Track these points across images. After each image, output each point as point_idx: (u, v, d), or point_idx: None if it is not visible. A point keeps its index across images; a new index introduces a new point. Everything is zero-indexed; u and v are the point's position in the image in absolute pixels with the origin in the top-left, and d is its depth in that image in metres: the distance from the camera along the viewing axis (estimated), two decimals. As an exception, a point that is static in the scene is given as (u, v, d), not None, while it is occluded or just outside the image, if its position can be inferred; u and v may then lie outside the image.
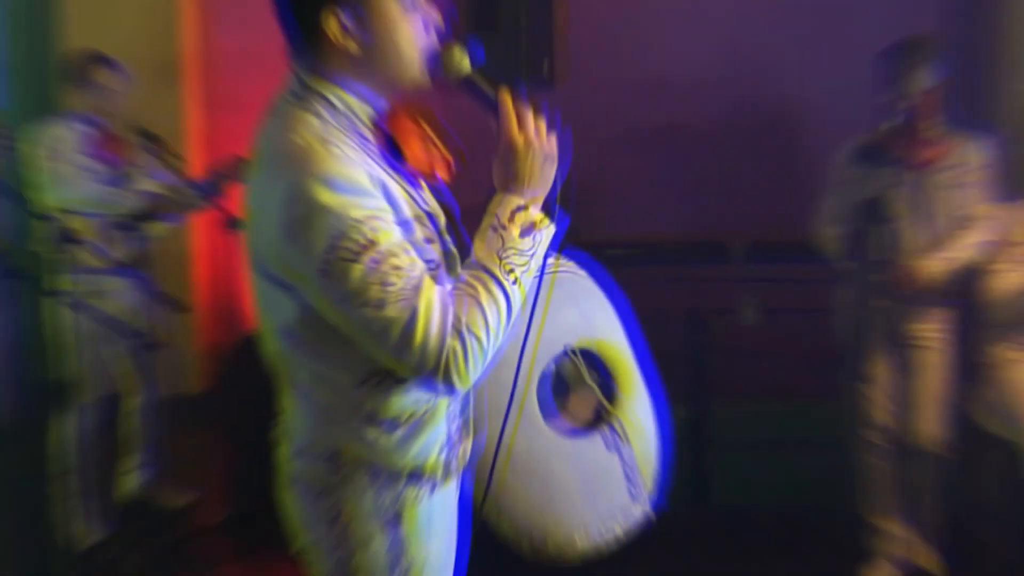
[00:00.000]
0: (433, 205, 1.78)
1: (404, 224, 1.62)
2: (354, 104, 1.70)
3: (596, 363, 2.19)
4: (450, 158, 1.83)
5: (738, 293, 4.37)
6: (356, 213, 1.53)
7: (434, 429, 1.79)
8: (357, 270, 1.52)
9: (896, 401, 3.68)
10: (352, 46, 1.67)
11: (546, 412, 2.12)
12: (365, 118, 1.71)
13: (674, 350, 4.27)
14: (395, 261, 1.53)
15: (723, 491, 4.36)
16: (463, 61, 1.70)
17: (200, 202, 4.23)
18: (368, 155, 1.65)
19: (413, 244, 1.61)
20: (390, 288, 1.52)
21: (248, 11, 5.62)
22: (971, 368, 3.84)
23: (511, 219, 1.64)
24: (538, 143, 1.66)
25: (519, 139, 1.66)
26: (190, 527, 4.43)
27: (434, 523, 1.85)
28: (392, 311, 1.53)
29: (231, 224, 4.27)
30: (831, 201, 3.84)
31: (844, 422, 3.75)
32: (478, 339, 1.57)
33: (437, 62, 1.71)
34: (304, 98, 1.68)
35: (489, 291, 1.61)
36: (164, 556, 4.09)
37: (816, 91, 5.04)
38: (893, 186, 3.61)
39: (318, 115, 1.65)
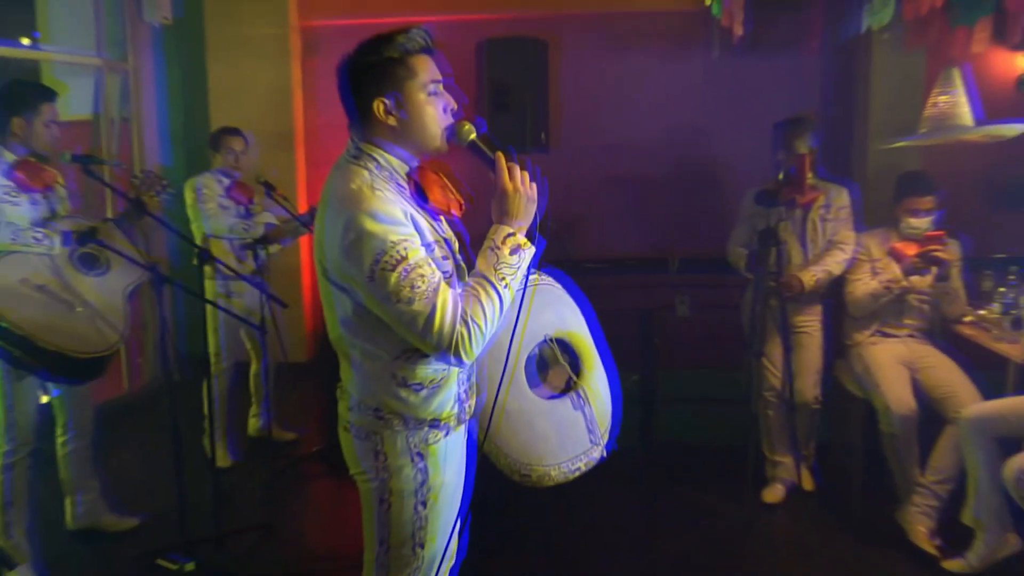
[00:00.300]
0: (449, 233, 1.83)
1: (427, 246, 1.68)
2: (393, 162, 1.77)
3: (567, 348, 2.19)
4: (461, 200, 1.89)
5: (674, 294, 4.36)
6: (393, 237, 1.61)
7: (448, 390, 1.82)
8: (394, 277, 1.59)
9: (784, 371, 3.65)
10: (392, 121, 1.74)
11: (531, 382, 2.11)
12: (401, 172, 1.78)
13: (629, 334, 4.27)
14: (421, 271, 1.61)
15: (663, 434, 4.32)
16: (470, 132, 1.78)
17: (303, 230, 4.20)
18: (403, 197, 1.71)
19: (433, 260, 1.67)
20: (417, 290, 1.60)
21: (335, 98, 5.63)
22: (838, 347, 3.81)
23: (503, 242, 1.70)
24: (523, 190, 1.71)
25: (509, 186, 1.71)
26: (295, 455, 4.41)
27: (449, 457, 1.87)
28: (418, 307, 1.60)
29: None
30: (739, 229, 3.82)
31: (748, 385, 3.71)
32: (478, 326, 1.64)
33: (452, 133, 1.78)
34: (359, 157, 1.75)
35: (487, 293, 1.66)
36: (277, 475, 4.08)
37: (730, 151, 5.03)
38: (783, 219, 3.57)
39: (368, 169, 1.72)
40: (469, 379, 1.89)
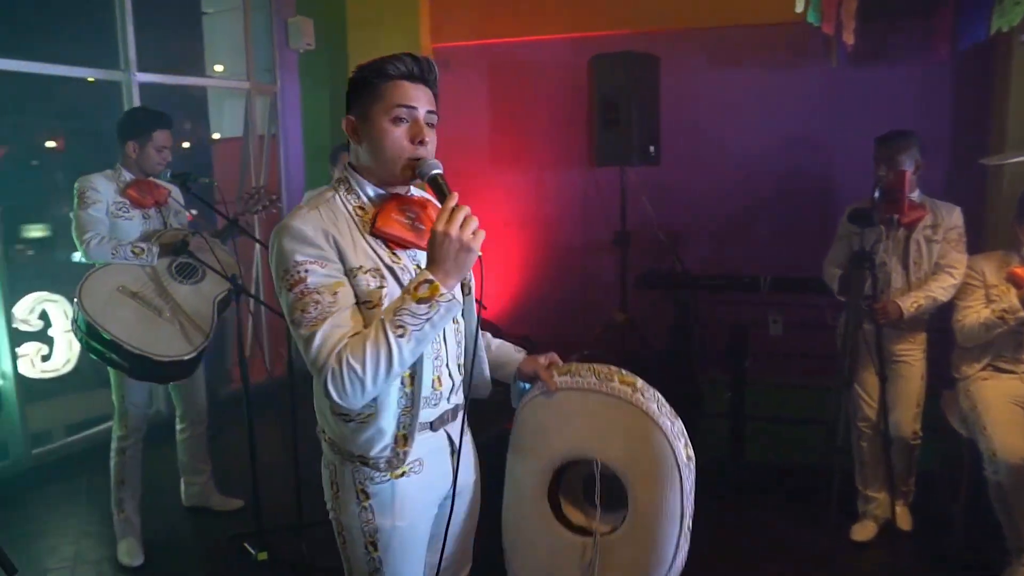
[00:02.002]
0: (402, 262, 1.57)
1: (349, 271, 1.50)
2: (361, 188, 1.58)
3: (615, 483, 1.79)
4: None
5: (767, 312, 3.92)
6: (298, 257, 1.47)
7: (372, 428, 1.57)
8: (290, 297, 1.48)
9: (880, 402, 3.14)
10: (355, 142, 1.58)
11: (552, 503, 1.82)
12: (367, 199, 1.58)
13: (722, 351, 3.89)
14: (315, 296, 1.46)
15: (752, 452, 3.88)
16: (432, 168, 1.52)
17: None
18: (350, 222, 1.54)
19: (356, 287, 1.51)
20: (306, 314, 1.46)
21: (466, 112, 5.58)
22: (945, 380, 3.25)
23: (416, 289, 1.43)
24: (455, 235, 1.41)
25: (440, 228, 1.42)
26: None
27: (400, 504, 1.62)
28: (304, 331, 1.46)
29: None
30: (835, 249, 3.33)
31: (841, 411, 3.23)
32: (353, 369, 1.41)
33: (418, 166, 1.53)
34: (340, 178, 1.62)
35: (375, 337, 1.43)
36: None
37: (840, 167, 4.50)
38: (879, 240, 3.07)
39: (336, 190, 1.57)
40: (407, 427, 1.60)
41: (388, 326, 1.42)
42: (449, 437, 1.71)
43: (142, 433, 3.22)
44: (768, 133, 4.79)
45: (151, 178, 3.18)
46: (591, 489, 1.78)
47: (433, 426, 1.66)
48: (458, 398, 1.73)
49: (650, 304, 4.73)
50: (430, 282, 1.42)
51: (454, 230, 1.41)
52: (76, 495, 3.81)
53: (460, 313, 1.71)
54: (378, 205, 1.58)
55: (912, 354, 3.20)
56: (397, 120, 1.53)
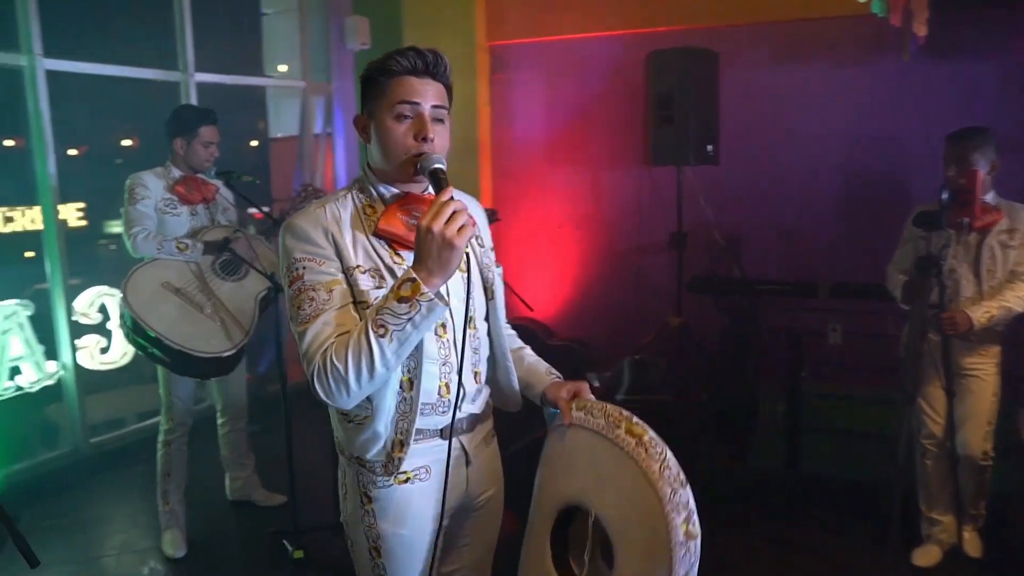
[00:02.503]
0: (405, 263, 1.51)
1: (347, 270, 1.48)
2: (375, 187, 1.56)
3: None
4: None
5: (825, 320, 3.72)
6: (297, 254, 1.48)
7: (369, 430, 1.53)
8: (289, 293, 1.49)
9: (948, 418, 2.93)
10: (367, 143, 1.56)
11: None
12: (380, 198, 1.56)
13: (778, 359, 3.73)
14: (311, 294, 1.45)
15: (807, 465, 3.71)
16: (434, 163, 1.46)
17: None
18: (357, 221, 1.52)
19: (353, 287, 1.48)
20: (301, 311, 1.45)
21: (522, 110, 5.52)
22: (1018, 397, 3.01)
23: (399, 287, 1.37)
24: (439, 231, 1.34)
25: (423, 225, 1.35)
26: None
27: (398, 510, 1.58)
28: (298, 327, 1.46)
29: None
30: (899, 254, 3.14)
31: (904, 427, 3.04)
32: (336, 368, 1.39)
33: (420, 161, 1.48)
34: (359, 178, 1.60)
35: (358, 337, 1.39)
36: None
37: (908, 167, 4.25)
38: (947, 246, 2.87)
39: (351, 190, 1.57)
40: (403, 432, 1.54)
41: (370, 325, 1.38)
42: (464, 448, 1.64)
43: (188, 427, 3.27)
44: (833, 131, 4.57)
45: (199, 175, 3.22)
46: (607, 542, 1.52)
47: (443, 434, 1.59)
48: (476, 407, 1.66)
49: (705, 308, 4.57)
50: (412, 280, 1.36)
51: (437, 225, 1.34)
52: (128, 485, 3.90)
53: (484, 317, 1.66)
54: (389, 204, 1.54)
55: (984, 368, 2.97)
56: (400, 117, 1.49)
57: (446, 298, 1.41)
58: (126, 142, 5.85)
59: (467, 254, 1.62)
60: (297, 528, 2.99)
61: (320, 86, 5.38)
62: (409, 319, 1.36)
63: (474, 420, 1.66)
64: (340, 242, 1.48)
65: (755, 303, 4.07)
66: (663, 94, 4.42)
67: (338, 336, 1.41)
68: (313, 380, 1.40)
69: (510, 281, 5.84)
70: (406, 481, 1.56)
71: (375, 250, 1.50)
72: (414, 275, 1.36)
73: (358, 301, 1.47)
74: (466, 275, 1.61)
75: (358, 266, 1.48)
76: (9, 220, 4.21)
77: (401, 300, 1.35)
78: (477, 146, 5.65)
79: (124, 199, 3.09)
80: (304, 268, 1.46)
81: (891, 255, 3.19)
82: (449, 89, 1.58)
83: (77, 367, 4.01)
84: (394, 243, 1.51)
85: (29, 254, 4.17)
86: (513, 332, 1.89)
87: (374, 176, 1.57)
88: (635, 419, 1.48)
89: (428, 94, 1.49)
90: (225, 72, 4.79)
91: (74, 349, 4.00)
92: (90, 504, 3.76)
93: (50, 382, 3.91)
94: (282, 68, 5.68)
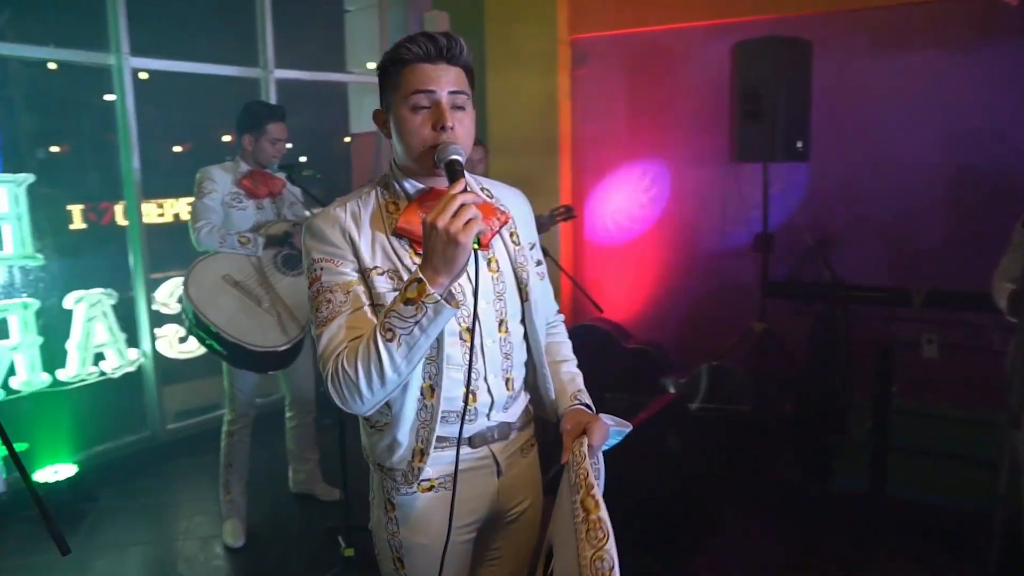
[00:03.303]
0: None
1: (364, 272, 1.43)
2: (399, 183, 1.50)
3: None
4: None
5: (919, 331, 3.39)
6: (315, 255, 1.44)
7: (388, 437, 1.48)
8: (308, 293, 1.45)
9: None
10: (387, 138, 1.50)
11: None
12: (404, 194, 1.49)
13: (867, 371, 3.44)
14: (328, 296, 1.41)
15: (896, 489, 3.41)
16: (452, 153, 1.37)
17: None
18: (378, 219, 1.46)
19: (370, 286, 1.42)
20: (319, 313, 1.41)
21: (603, 105, 5.37)
22: None
23: (406, 288, 1.30)
24: (442, 227, 1.25)
25: (428, 221, 1.28)
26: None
27: (421, 519, 1.51)
28: (316, 330, 1.41)
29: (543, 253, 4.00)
30: (1006, 261, 2.82)
31: (1006, 452, 2.73)
32: (346, 372, 1.33)
33: (437, 152, 1.39)
34: (385, 173, 1.54)
35: (368, 341, 1.33)
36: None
37: (1013, 165, 3.84)
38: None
39: (375, 187, 1.52)
40: (424, 441, 1.46)
41: (378, 330, 1.31)
42: (494, 457, 1.56)
43: (250, 419, 3.30)
44: (937, 125, 4.20)
45: (266, 169, 3.24)
46: None
47: (472, 442, 1.52)
48: (508, 415, 1.57)
49: (790, 314, 4.30)
50: (418, 281, 1.28)
51: (442, 220, 1.25)
52: (198, 472, 4.00)
53: (520, 320, 1.56)
54: (412, 201, 1.47)
55: (1101, 391, 2.63)
56: (416, 108, 1.40)
57: (456, 298, 1.33)
58: (226, 138, 6.05)
59: (497, 252, 1.54)
60: (350, 526, 2.97)
61: (399, 82, 5.39)
62: (416, 322, 1.28)
63: (506, 429, 1.57)
64: (357, 242, 1.42)
65: (844, 310, 3.78)
66: (749, 87, 4.18)
67: (352, 340, 1.35)
68: (328, 386, 1.36)
69: (586, 280, 5.71)
70: (430, 489, 1.50)
71: (394, 250, 1.43)
72: (420, 275, 1.28)
73: (376, 304, 1.40)
74: (498, 274, 1.53)
75: (375, 267, 1.42)
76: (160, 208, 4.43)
77: (407, 302, 1.28)
78: (557, 142, 5.54)
79: (194, 192, 3.15)
80: (322, 269, 1.42)
81: (998, 261, 2.87)
82: (469, 72, 1.48)
83: (156, 355, 4.15)
84: (414, 242, 1.43)
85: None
86: (565, 340, 1.78)
87: (398, 171, 1.50)
88: (595, 490, 1.32)
89: (444, 80, 1.40)
90: (309, 69, 4.87)
91: (153, 338, 4.14)
92: (163, 488, 3.89)
93: (131, 369, 4.06)
94: (371, 65, 5.73)
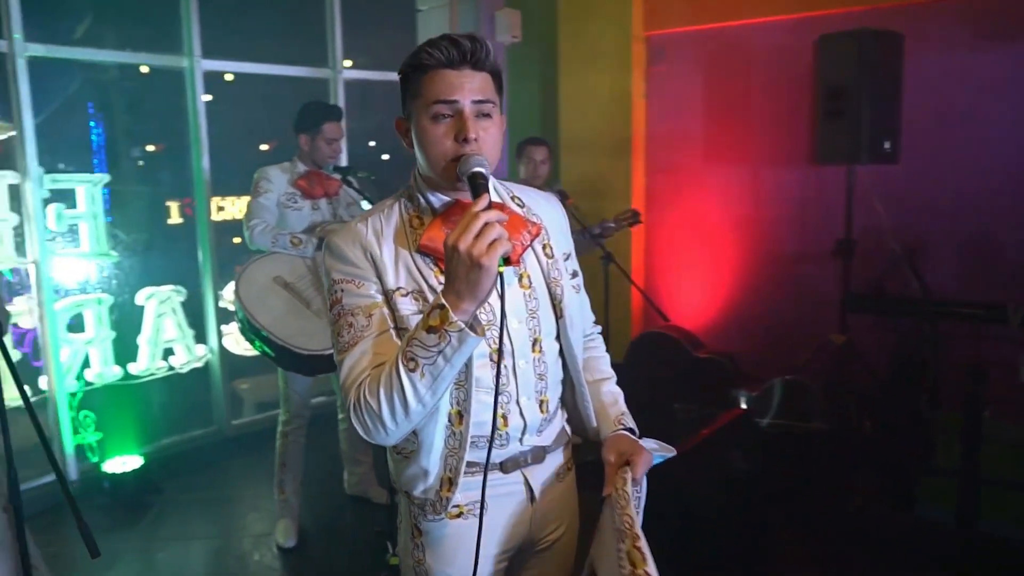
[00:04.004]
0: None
1: (387, 293, 1.33)
2: (423, 195, 1.41)
3: None
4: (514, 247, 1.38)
5: (1019, 353, 3.07)
6: (335, 275, 1.36)
7: (415, 465, 1.39)
8: (329, 316, 1.38)
9: None
10: (408, 148, 1.40)
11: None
12: (429, 208, 1.40)
13: (958, 393, 3.14)
14: (349, 319, 1.32)
15: (987, 523, 3.10)
16: (475, 166, 1.28)
17: (592, 245, 3.85)
18: (401, 235, 1.37)
19: (397, 311, 1.32)
20: (340, 338, 1.33)
21: (678, 104, 5.16)
22: None
23: (428, 315, 1.21)
24: (464, 249, 1.15)
25: (448, 243, 1.18)
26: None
27: (448, 548, 1.43)
28: (338, 356, 1.33)
29: (607, 260, 3.85)
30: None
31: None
32: (368, 403, 1.25)
33: (459, 164, 1.30)
34: (408, 186, 1.45)
35: (390, 371, 1.24)
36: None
37: None
38: None
39: (399, 200, 1.43)
40: (453, 469, 1.38)
41: (400, 359, 1.22)
42: (527, 483, 1.47)
43: (304, 419, 3.29)
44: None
45: (323, 170, 3.22)
46: None
47: (504, 467, 1.44)
48: (543, 439, 1.48)
49: (874, 325, 4.00)
50: (441, 308, 1.18)
51: (464, 242, 1.15)
52: (258, 470, 4.04)
53: (555, 337, 1.46)
54: (437, 216, 1.38)
55: None
56: (437, 117, 1.31)
57: (481, 326, 1.23)
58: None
59: (529, 266, 1.44)
60: (395, 532, 2.91)
61: (470, 81, 5.32)
62: (439, 351, 1.19)
63: (541, 453, 1.48)
64: (379, 261, 1.34)
65: (932, 325, 3.47)
66: (833, 83, 3.91)
67: (375, 368, 1.27)
68: (351, 416, 1.28)
69: (658, 286, 5.51)
70: (458, 516, 1.41)
71: (419, 269, 1.34)
72: (443, 301, 1.18)
73: (400, 327, 1.32)
74: (530, 291, 1.43)
75: (398, 288, 1.33)
76: (220, 209, 4.54)
77: (430, 330, 1.19)
78: (630, 142, 5.36)
79: (251, 192, 3.15)
80: (342, 291, 1.33)
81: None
82: (496, 76, 1.37)
83: (223, 351, 4.22)
84: (439, 260, 1.34)
85: (236, 240, 4.39)
86: (603, 354, 1.68)
87: (422, 183, 1.40)
88: (641, 542, 1.22)
89: (467, 88, 1.30)
90: (380, 69, 4.86)
91: (220, 334, 4.21)
92: (224, 483, 3.94)
93: (198, 364, 4.14)
94: None
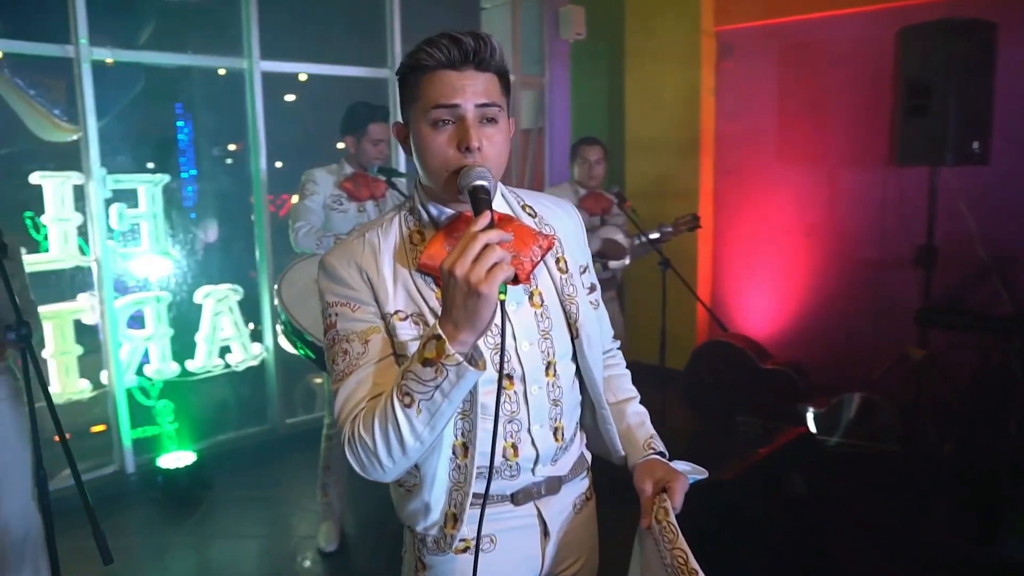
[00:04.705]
0: None
1: (384, 317, 1.22)
2: (424, 207, 1.29)
3: None
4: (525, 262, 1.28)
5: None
6: (329, 297, 1.24)
7: (419, 501, 1.27)
8: (326, 341, 1.25)
9: None
10: (408, 155, 1.27)
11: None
12: (432, 221, 1.28)
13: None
14: (344, 346, 1.21)
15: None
16: (476, 179, 1.15)
17: (649, 249, 3.67)
18: (400, 253, 1.25)
19: (395, 336, 1.21)
20: (335, 366, 1.22)
21: (749, 102, 4.91)
22: None
23: (424, 346, 1.08)
24: (461, 275, 1.04)
25: (444, 267, 1.06)
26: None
27: None
28: (334, 384, 1.22)
29: (665, 265, 3.66)
30: None
31: None
32: (363, 438, 1.14)
33: (460, 176, 1.17)
34: (409, 197, 1.33)
35: (385, 405, 1.12)
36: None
37: None
38: None
39: (399, 212, 1.30)
40: (458, 505, 1.26)
41: (396, 392, 1.11)
42: (540, 515, 1.35)
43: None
44: None
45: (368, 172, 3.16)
46: None
47: (515, 499, 1.32)
48: (558, 469, 1.36)
49: (957, 339, 3.68)
50: (438, 338, 1.07)
51: (461, 267, 1.04)
52: (308, 469, 4.00)
53: (571, 357, 1.34)
54: (439, 230, 1.26)
55: None
56: (437, 123, 1.18)
57: (483, 358, 1.12)
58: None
59: (541, 283, 1.32)
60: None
61: (531, 79, 5.19)
62: (436, 387, 1.08)
63: (555, 483, 1.36)
64: (376, 282, 1.22)
65: (1022, 343, 3.15)
66: (915, 79, 3.62)
67: (371, 399, 1.17)
68: (346, 451, 1.17)
69: (724, 292, 5.25)
70: (465, 550, 1.30)
71: (418, 290, 1.22)
72: (439, 331, 1.07)
73: (399, 354, 1.21)
74: (542, 310, 1.31)
75: (396, 312, 1.22)
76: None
77: (426, 363, 1.08)
78: (699, 141, 5.14)
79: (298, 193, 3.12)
80: (336, 315, 1.22)
81: None
82: (504, 77, 1.24)
83: (278, 350, 4.22)
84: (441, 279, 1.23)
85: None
86: (624, 372, 1.55)
87: (424, 194, 1.28)
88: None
89: (470, 91, 1.18)
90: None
91: (275, 334, 4.21)
92: (274, 482, 3.94)
93: (254, 363, 4.16)
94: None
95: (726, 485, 2.86)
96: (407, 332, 1.21)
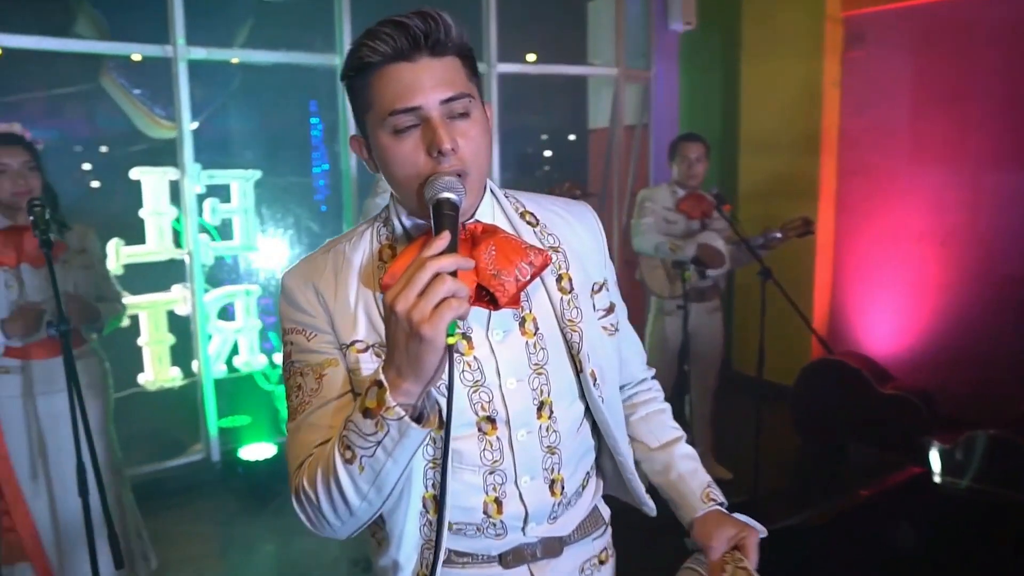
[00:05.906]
0: None
1: (341, 347, 1.03)
2: (398, 219, 1.08)
3: None
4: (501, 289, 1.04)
5: None
6: (285, 323, 1.08)
7: (387, 558, 1.08)
8: (282, 374, 1.09)
9: None
10: (372, 169, 1.07)
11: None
12: (405, 235, 1.08)
13: None
14: (298, 380, 1.04)
15: None
16: (438, 190, 0.95)
17: (749, 257, 3.30)
18: (368, 272, 1.05)
19: (354, 365, 1.02)
20: (289, 402, 1.06)
21: (880, 94, 4.36)
22: None
23: (366, 393, 0.90)
24: (402, 312, 0.84)
25: (387, 300, 0.87)
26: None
27: None
28: (288, 424, 1.06)
29: (765, 275, 3.26)
30: None
31: None
32: (307, 493, 0.98)
33: (424, 188, 0.97)
34: (387, 206, 1.12)
35: (327, 459, 0.96)
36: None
37: None
38: None
39: (372, 225, 1.10)
40: (429, 564, 1.05)
41: (337, 445, 0.94)
42: None
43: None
44: None
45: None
46: None
47: (504, 561, 1.10)
48: (559, 528, 1.13)
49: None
50: (379, 385, 0.89)
51: (403, 303, 0.84)
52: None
53: (578, 395, 1.12)
54: (413, 243, 1.04)
55: None
56: (399, 131, 0.97)
57: (435, 414, 0.93)
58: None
59: (536, 306, 1.09)
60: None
61: (635, 73, 4.85)
62: (378, 443, 0.91)
63: (554, 545, 1.13)
64: (333, 307, 1.03)
65: None
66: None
67: (319, 446, 1.00)
68: (294, 504, 1.01)
69: (845, 306, 4.70)
70: None
71: (382, 315, 1.01)
72: (381, 377, 0.89)
73: (356, 392, 1.02)
74: (535, 339, 1.08)
75: (354, 343, 1.03)
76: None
77: (366, 413, 0.89)
78: (819, 138, 4.63)
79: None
80: (292, 344, 1.06)
81: None
82: (467, 58, 1.02)
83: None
84: None
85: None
86: (664, 406, 1.30)
87: (397, 203, 1.08)
88: None
89: (430, 85, 0.96)
90: (546, 62, 4.58)
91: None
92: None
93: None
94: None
95: (817, 532, 2.49)
96: (368, 365, 1.01)
